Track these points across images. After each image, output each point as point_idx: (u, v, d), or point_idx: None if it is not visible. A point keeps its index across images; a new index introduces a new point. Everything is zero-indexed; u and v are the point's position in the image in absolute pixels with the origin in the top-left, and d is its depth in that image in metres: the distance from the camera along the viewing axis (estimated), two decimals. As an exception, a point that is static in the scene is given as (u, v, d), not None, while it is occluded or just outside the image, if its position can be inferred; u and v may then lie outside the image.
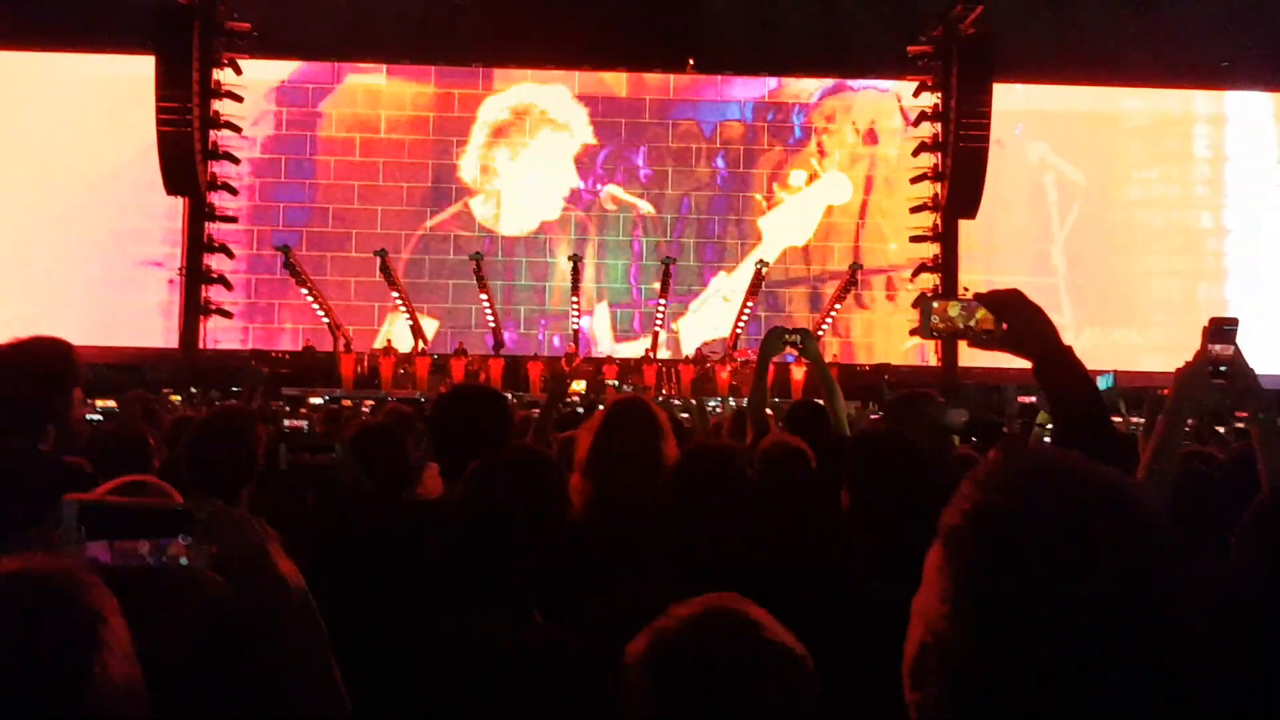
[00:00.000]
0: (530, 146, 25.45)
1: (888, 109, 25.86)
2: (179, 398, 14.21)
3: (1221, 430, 8.39)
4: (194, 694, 1.52)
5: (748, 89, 25.93)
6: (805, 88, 25.88)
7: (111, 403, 9.73)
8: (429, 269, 24.88)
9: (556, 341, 24.42)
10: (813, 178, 25.53)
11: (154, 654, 1.43)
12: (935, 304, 2.16)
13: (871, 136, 25.81)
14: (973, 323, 2.11)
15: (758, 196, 25.48)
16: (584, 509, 2.80)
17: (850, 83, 25.79)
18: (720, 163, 25.70)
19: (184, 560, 1.47)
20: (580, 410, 9.69)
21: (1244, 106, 25.99)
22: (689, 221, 25.53)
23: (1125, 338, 25.15)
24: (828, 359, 21.72)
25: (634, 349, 23.95)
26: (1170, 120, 26.02)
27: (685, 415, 9.21)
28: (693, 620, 1.32)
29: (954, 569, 0.95)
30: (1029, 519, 0.92)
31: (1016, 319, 2.02)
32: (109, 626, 1.23)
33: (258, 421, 3.14)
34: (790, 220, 25.42)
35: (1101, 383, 10.78)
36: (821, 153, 25.65)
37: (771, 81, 25.86)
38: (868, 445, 2.91)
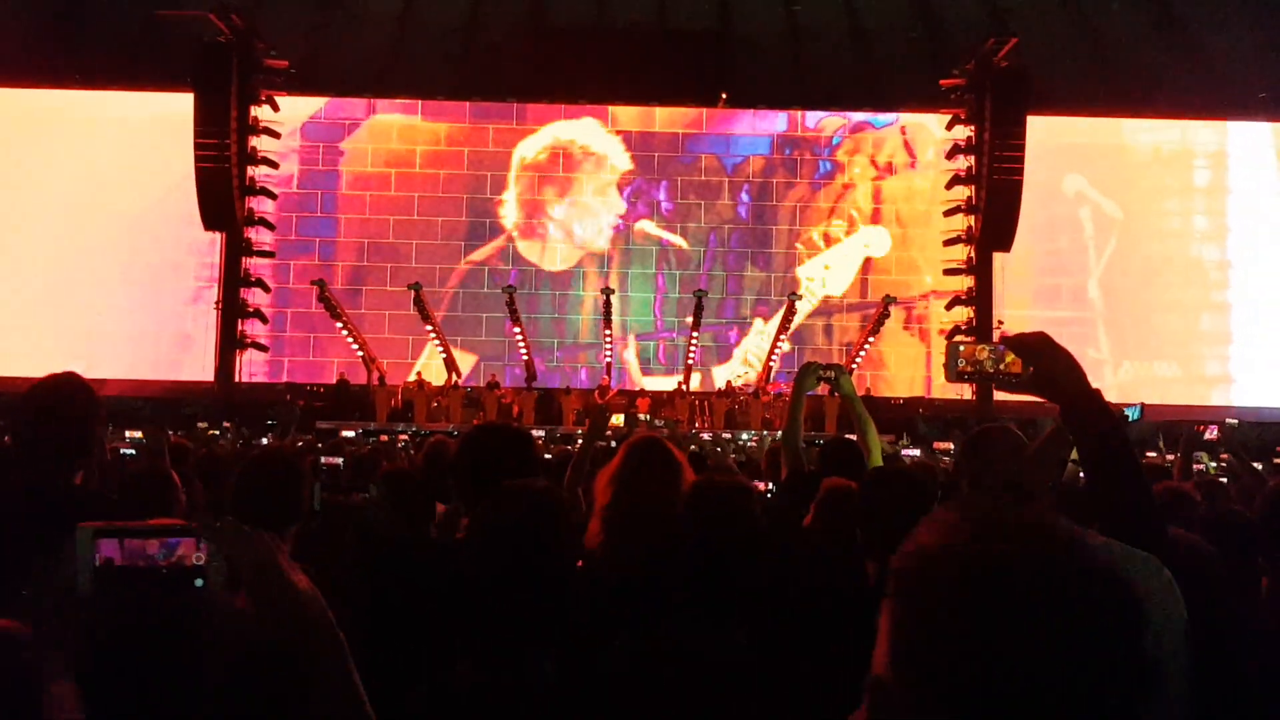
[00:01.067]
0: (567, 181, 25.60)
1: (912, 142, 25.87)
2: (216, 432, 14.28)
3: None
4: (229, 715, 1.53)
5: (774, 124, 25.98)
6: (830, 123, 25.90)
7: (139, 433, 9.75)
8: (462, 302, 25.02)
9: (583, 375, 24.46)
10: (852, 228, 25.51)
11: (190, 681, 1.43)
12: (962, 347, 2.14)
13: (890, 170, 25.79)
14: (1001, 366, 2.09)
15: (799, 247, 25.49)
16: (601, 551, 2.79)
17: (872, 118, 25.79)
18: (745, 197, 25.75)
19: (197, 560, 1.48)
20: (613, 444, 9.64)
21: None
22: (717, 255, 25.56)
23: (1162, 371, 24.88)
24: (860, 393, 21.70)
25: (664, 382, 23.95)
26: (1205, 152, 25.81)
27: (718, 449, 9.16)
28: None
29: (891, 612, 0.97)
30: (958, 568, 0.93)
31: (1043, 363, 2.01)
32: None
33: (304, 462, 3.13)
34: (829, 271, 25.38)
35: (1130, 414, 10.65)
36: (845, 186, 25.64)
37: (799, 116, 25.90)
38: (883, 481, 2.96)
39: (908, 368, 25.30)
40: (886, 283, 24.62)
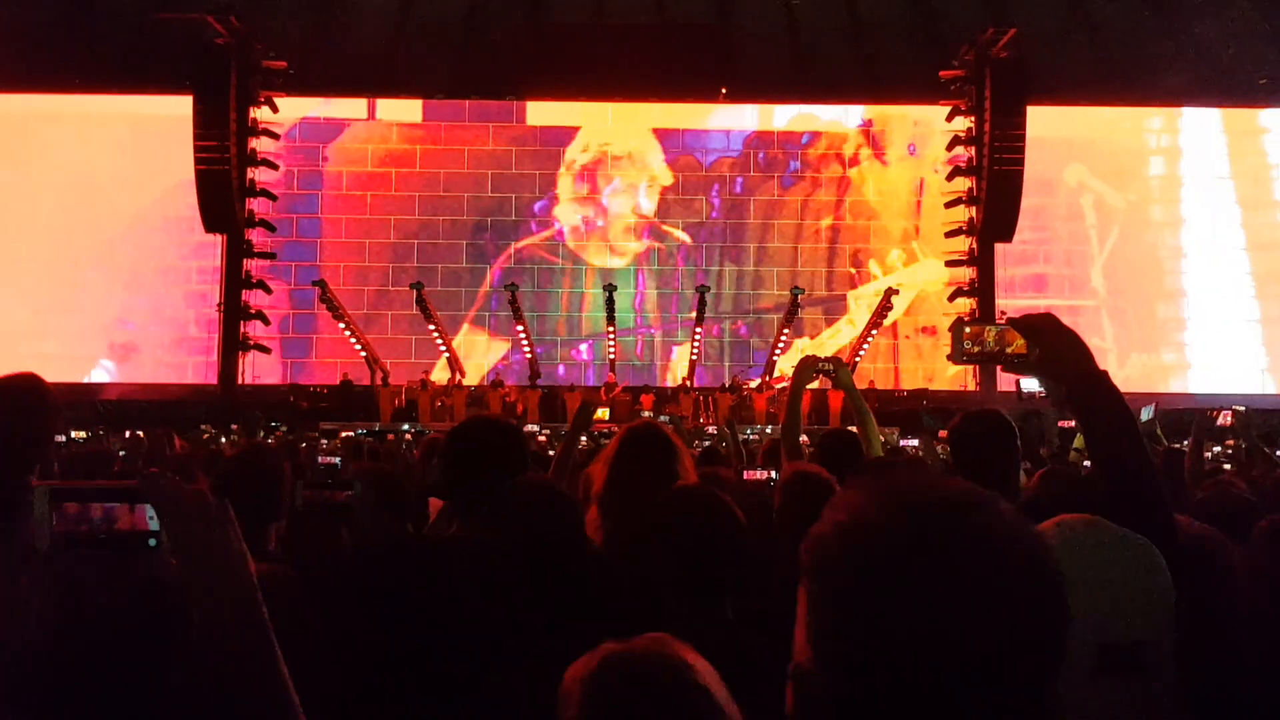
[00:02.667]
0: (595, 180, 25.71)
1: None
2: (208, 435, 14.28)
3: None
4: (121, 660, 1.52)
5: (773, 119, 25.99)
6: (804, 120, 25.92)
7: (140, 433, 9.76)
8: (464, 301, 25.05)
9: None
10: (911, 259, 25.49)
11: (91, 619, 1.43)
12: (968, 328, 2.14)
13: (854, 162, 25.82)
14: (1007, 348, 2.07)
15: (850, 270, 25.46)
16: (603, 542, 2.75)
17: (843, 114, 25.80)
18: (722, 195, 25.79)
19: (151, 521, 1.49)
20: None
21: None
22: (720, 250, 25.58)
23: (1167, 359, 24.88)
24: (864, 385, 21.61)
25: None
26: (1206, 138, 25.74)
27: (724, 445, 9.14)
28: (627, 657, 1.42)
29: (807, 594, 0.94)
30: (873, 539, 0.90)
31: (1050, 344, 2.00)
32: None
33: (284, 459, 3.11)
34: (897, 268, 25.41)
35: (1144, 414, 10.63)
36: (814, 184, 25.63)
37: (805, 109, 25.91)
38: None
39: (907, 359, 25.30)
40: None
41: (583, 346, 25.30)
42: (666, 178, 25.72)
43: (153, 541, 1.50)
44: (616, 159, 25.75)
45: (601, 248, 25.58)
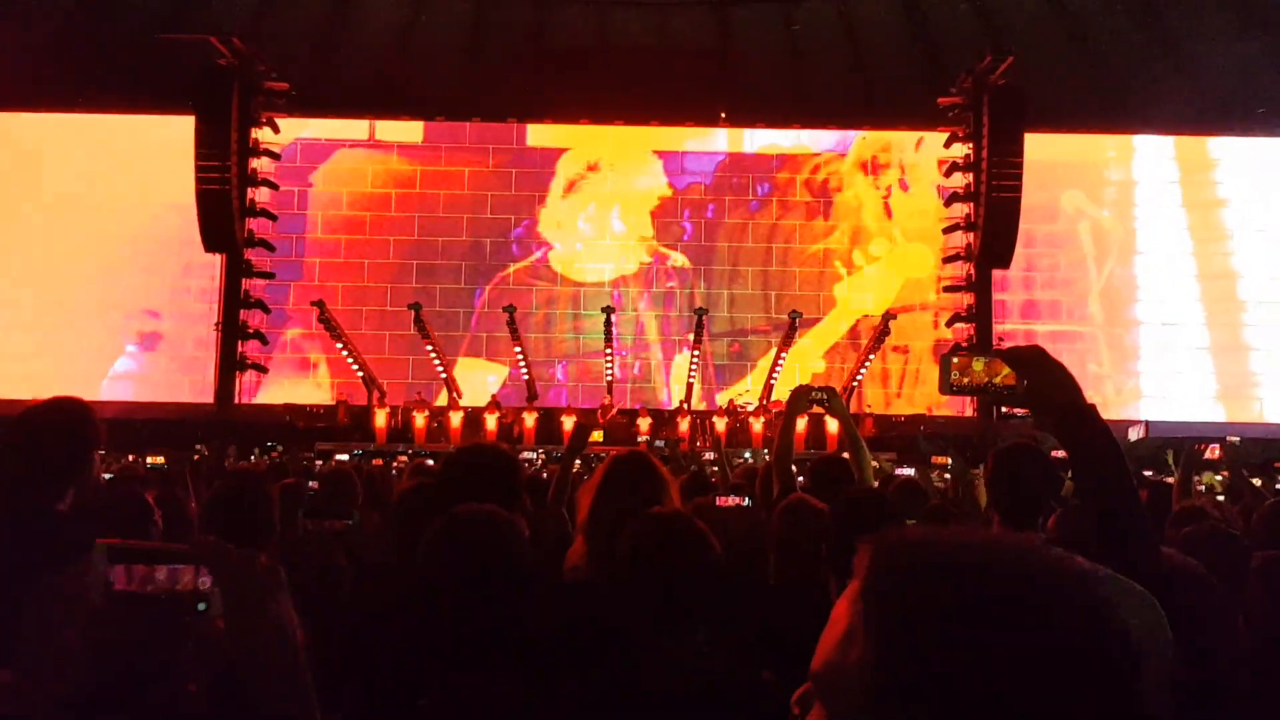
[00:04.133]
0: (593, 200, 25.75)
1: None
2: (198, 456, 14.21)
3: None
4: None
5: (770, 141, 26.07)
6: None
7: (160, 459, 9.68)
8: (461, 322, 25.05)
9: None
10: (893, 248, 25.57)
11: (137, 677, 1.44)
12: (956, 359, 2.13)
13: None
14: (996, 379, 2.07)
15: (837, 265, 25.51)
16: (589, 569, 2.76)
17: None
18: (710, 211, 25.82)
19: (201, 585, 1.51)
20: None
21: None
22: (721, 273, 25.61)
23: (1162, 385, 24.88)
24: (863, 410, 21.62)
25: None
26: (1206, 166, 25.81)
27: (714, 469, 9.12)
28: None
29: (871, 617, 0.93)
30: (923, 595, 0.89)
31: (1038, 376, 1.99)
32: None
33: (269, 485, 3.12)
34: (868, 289, 25.42)
35: (1132, 434, 10.59)
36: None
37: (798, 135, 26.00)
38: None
39: (905, 383, 25.30)
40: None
41: (558, 367, 25.25)
42: (654, 200, 25.76)
43: (202, 605, 1.51)
44: (606, 178, 25.81)
45: (590, 269, 25.59)
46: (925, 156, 25.48)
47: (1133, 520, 1.96)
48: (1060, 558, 0.93)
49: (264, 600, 1.50)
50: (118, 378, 24.20)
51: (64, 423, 2.86)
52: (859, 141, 25.89)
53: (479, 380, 24.35)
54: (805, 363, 24.46)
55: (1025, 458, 3.23)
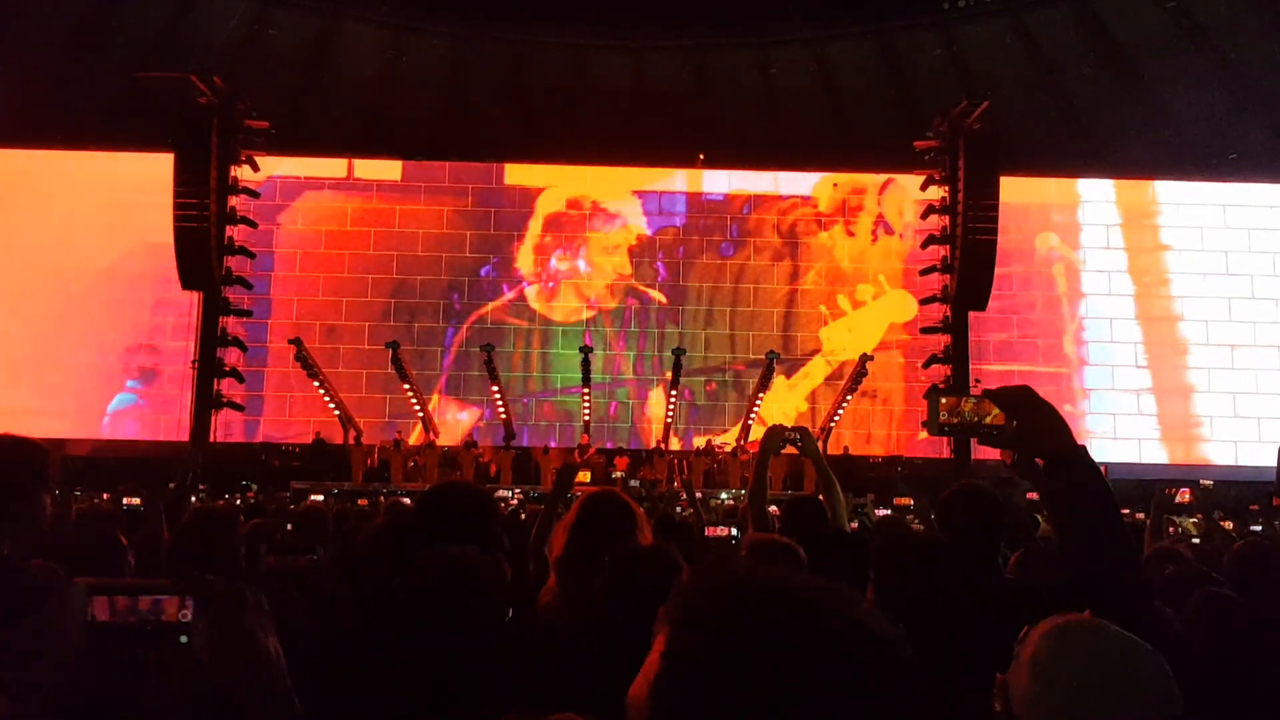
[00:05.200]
0: (573, 240, 25.84)
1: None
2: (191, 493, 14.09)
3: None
4: None
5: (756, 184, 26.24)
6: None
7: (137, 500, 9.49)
8: (442, 361, 25.02)
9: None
10: (879, 294, 25.71)
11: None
12: (943, 399, 2.11)
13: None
14: (984, 419, 2.07)
15: (822, 309, 25.65)
16: (561, 607, 2.76)
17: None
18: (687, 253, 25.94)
19: (182, 617, 1.50)
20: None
21: (1254, 196, 26.01)
22: (698, 314, 25.67)
23: (1139, 427, 25.06)
24: (839, 452, 21.62)
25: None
26: (1179, 209, 26.09)
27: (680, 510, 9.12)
28: None
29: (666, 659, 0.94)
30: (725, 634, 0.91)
31: (1027, 417, 1.98)
32: None
33: (236, 520, 3.11)
34: (853, 334, 25.53)
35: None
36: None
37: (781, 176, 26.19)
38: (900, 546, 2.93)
39: (879, 424, 25.38)
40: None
41: (528, 403, 25.18)
42: (631, 238, 25.86)
43: (184, 638, 1.51)
44: (584, 218, 25.91)
45: (566, 308, 25.62)
46: (891, 202, 25.81)
47: (1129, 565, 1.93)
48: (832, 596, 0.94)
49: (253, 630, 1.52)
50: (95, 415, 23.97)
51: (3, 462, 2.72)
52: (825, 185, 26.04)
53: (452, 419, 24.33)
54: (783, 404, 24.50)
55: (972, 501, 3.26)
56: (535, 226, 25.80)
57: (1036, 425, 1.95)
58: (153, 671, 1.51)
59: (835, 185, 26.02)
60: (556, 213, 25.87)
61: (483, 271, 25.54)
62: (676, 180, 26.24)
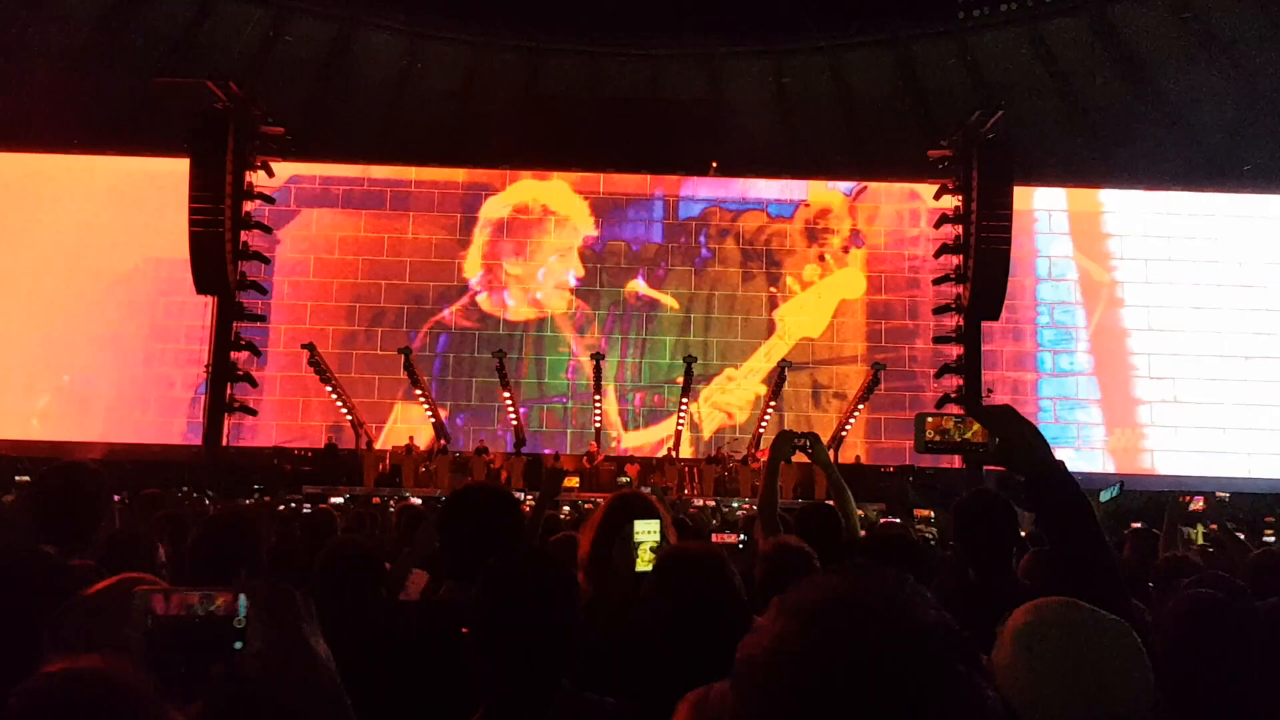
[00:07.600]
0: (530, 244, 25.79)
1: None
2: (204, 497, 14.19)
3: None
4: None
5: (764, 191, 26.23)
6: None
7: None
8: (447, 366, 25.08)
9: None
10: (826, 272, 25.68)
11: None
12: (929, 419, 2.20)
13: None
14: (967, 436, 2.14)
15: (772, 289, 25.60)
16: (586, 609, 2.77)
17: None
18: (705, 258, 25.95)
19: (236, 624, 1.51)
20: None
21: (1268, 208, 25.92)
22: (704, 319, 25.65)
23: (1153, 439, 24.97)
24: (851, 460, 21.54)
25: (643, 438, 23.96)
26: (1192, 219, 26.02)
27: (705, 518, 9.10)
28: None
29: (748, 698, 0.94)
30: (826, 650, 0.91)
31: (1008, 434, 2.07)
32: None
33: (260, 521, 3.13)
34: (805, 313, 25.54)
35: (1104, 494, 10.58)
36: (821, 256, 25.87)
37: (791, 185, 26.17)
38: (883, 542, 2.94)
39: (891, 434, 25.34)
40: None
41: (521, 410, 25.19)
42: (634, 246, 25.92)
43: (239, 644, 1.51)
44: (579, 225, 25.93)
45: (518, 312, 25.69)
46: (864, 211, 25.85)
47: (1103, 574, 2.00)
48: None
49: (305, 634, 1.53)
50: (108, 417, 24.06)
51: (75, 489, 2.99)
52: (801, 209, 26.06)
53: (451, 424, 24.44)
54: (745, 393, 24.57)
55: (985, 506, 3.32)
56: (538, 236, 25.77)
57: (1016, 443, 2.05)
58: (209, 658, 1.49)
59: (806, 204, 25.91)
60: (530, 215, 25.82)
61: (473, 281, 25.54)
62: (664, 186, 26.12)
